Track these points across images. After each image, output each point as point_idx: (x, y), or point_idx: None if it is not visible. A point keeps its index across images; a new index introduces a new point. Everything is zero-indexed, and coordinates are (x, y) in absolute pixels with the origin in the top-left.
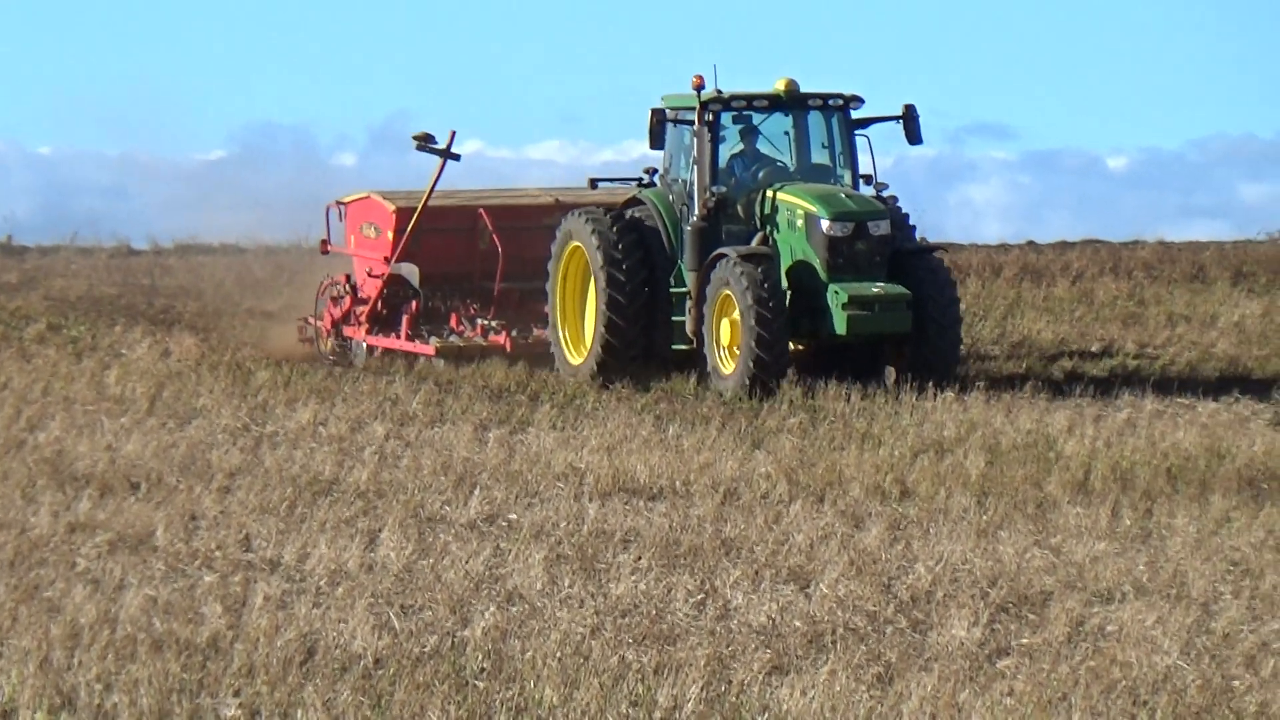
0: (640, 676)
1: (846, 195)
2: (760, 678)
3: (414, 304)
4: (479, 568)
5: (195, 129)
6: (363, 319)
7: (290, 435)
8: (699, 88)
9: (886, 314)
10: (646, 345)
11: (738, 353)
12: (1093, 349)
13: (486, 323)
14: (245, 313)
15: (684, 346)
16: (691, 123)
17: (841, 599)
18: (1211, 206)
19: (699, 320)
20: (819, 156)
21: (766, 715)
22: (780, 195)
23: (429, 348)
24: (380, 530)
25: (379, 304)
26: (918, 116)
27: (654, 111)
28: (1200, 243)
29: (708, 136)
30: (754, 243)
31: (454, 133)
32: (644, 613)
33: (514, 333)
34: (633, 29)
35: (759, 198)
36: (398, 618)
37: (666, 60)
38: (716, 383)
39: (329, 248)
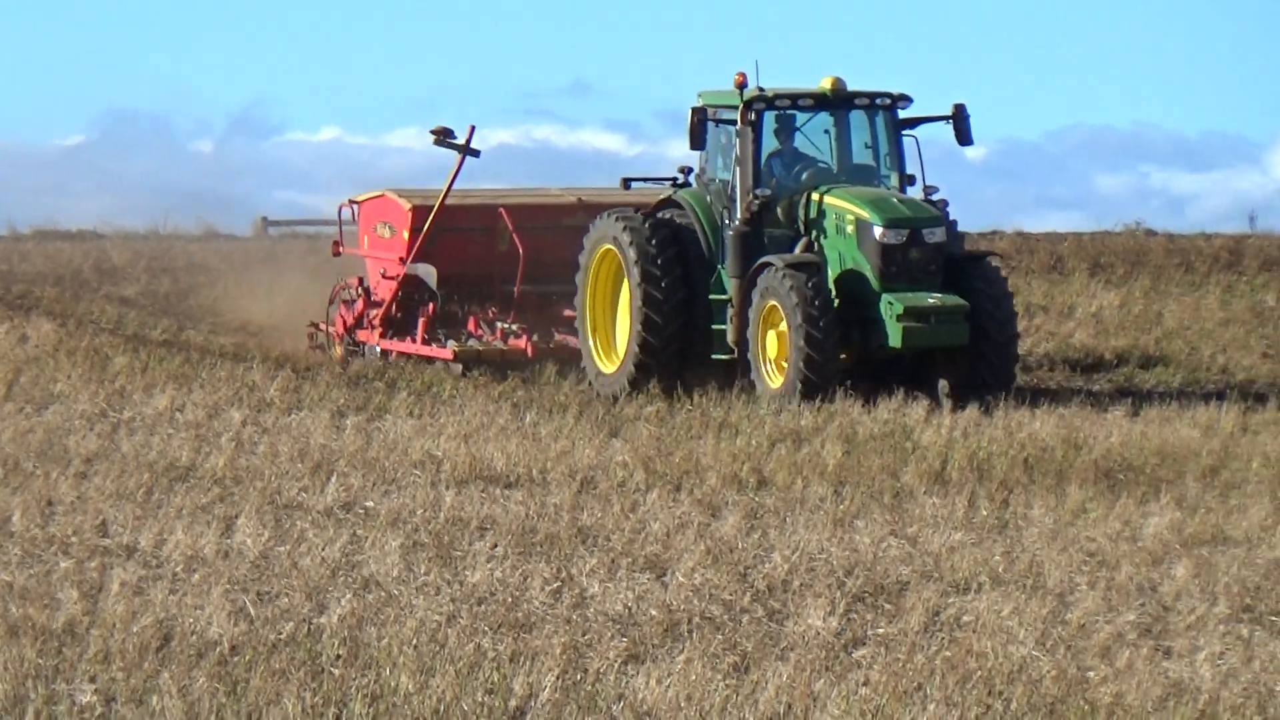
0: (496, 664)
1: (900, 200)
2: (616, 666)
3: (431, 306)
4: (335, 555)
5: (54, 114)
6: (376, 322)
7: (148, 421)
8: (741, 85)
9: (943, 326)
10: (684, 354)
11: (784, 366)
12: None
13: (506, 326)
14: (103, 298)
15: (724, 356)
16: (733, 122)
17: (698, 588)
18: (1069, 197)
19: (741, 330)
20: (861, 157)
21: (622, 704)
22: (828, 199)
23: (447, 352)
24: (237, 517)
25: (394, 307)
26: (968, 116)
27: (694, 110)
28: (1058, 233)
29: (750, 136)
30: (798, 248)
31: (473, 128)
32: (500, 600)
33: (535, 337)
34: (490, 15)
35: (802, 200)
36: (254, 604)
37: (516, 46)
38: (761, 396)
39: (342, 249)
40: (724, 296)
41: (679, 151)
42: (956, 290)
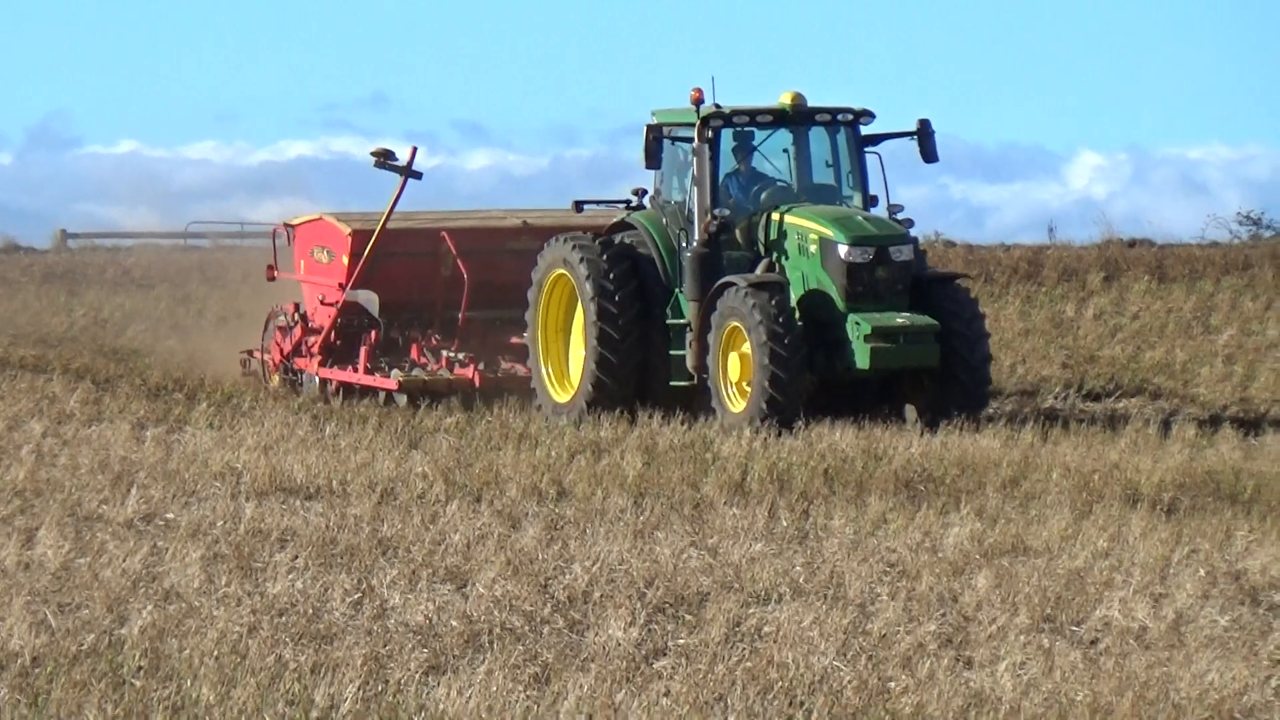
0: (297, 675)
1: (864, 218)
2: (417, 677)
3: (373, 334)
4: (136, 566)
5: None
6: (315, 350)
7: None
8: (698, 102)
9: (912, 347)
10: (641, 382)
11: (748, 389)
12: None
13: (451, 355)
14: None
15: (683, 383)
16: (689, 140)
17: (498, 599)
18: None
19: (701, 354)
20: (821, 175)
21: (423, 715)
22: (789, 218)
23: (391, 382)
24: (38, 529)
25: (333, 334)
26: (933, 132)
27: (649, 128)
28: None
29: (708, 155)
30: (759, 269)
31: (415, 149)
32: (301, 612)
33: (482, 366)
34: (289, 28)
35: (762, 220)
36: (55, 616)
37: (316, 59)
38: (723, 422)
39: (276, 274)
40: (682, 321)
41: (476, 163)
42: (925, 312)
